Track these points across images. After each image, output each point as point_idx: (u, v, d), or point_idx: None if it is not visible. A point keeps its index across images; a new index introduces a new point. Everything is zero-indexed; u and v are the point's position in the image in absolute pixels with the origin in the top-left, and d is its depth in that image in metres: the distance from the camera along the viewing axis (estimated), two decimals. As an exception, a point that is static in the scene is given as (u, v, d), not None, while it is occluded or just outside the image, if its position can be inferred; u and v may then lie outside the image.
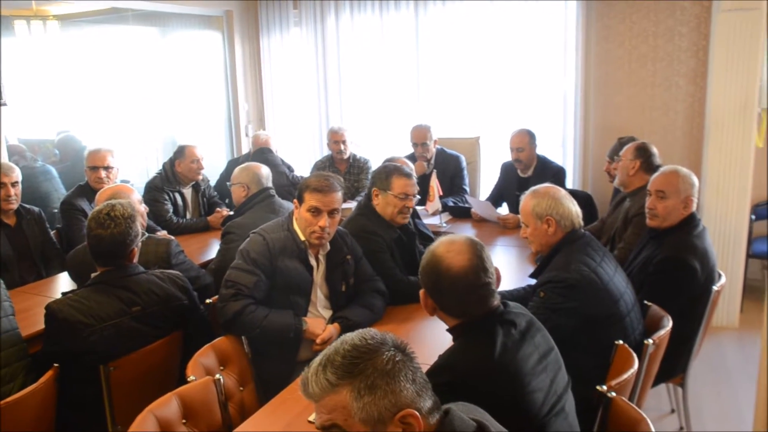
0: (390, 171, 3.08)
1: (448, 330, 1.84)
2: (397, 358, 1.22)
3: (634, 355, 2.18)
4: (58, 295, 2.44)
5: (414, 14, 5.72)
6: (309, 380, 1.23)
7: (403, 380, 1.21)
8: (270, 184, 3.74)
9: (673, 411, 3.44)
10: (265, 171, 3.76)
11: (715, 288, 2.85)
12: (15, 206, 3.70)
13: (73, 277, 3.21)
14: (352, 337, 1.27)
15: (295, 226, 2.68)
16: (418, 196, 3.19)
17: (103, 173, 4.03)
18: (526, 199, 2.58)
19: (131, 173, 6.29)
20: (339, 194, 2.66)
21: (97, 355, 2.31)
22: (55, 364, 2.28)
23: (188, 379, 2.12)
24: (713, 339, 4.18)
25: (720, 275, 2.99)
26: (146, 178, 4.78)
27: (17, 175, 3.70)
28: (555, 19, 5.18)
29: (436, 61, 5.74)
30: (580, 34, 5.04)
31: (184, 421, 1.98)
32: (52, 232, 3.99)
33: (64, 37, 6.43)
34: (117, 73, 6.27)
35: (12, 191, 3.64)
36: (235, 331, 2.52)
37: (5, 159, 4.27)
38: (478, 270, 1.76)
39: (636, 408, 1.86)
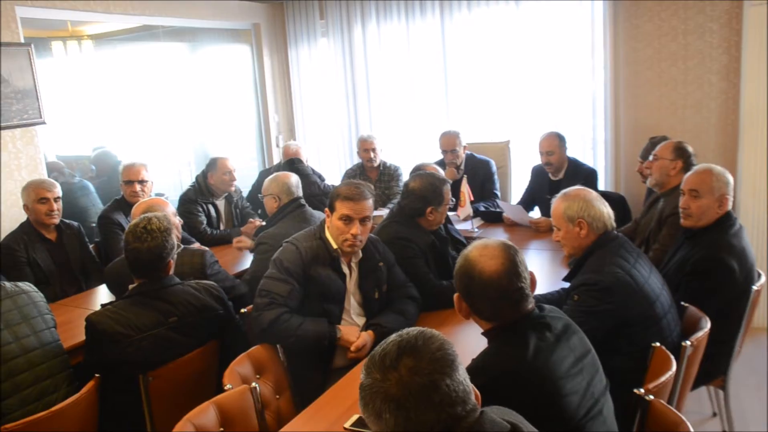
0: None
1: (482, 333, 1.84)
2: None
3: (672, 357, 2.15)
4: (98, 307, 2.50)
5: (440, 20, 5.72)
6: None
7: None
8: (300, 193, 3.78)
9: (715, 414, 3.38)
10: (294, 180, 3.80)
11: (754, 288, 2.79)
12: (57, 221, 3.81)
13: (112, 289, 3.29)
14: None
15: (327, 235, 2.71)
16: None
17: (138, 187, 4.12)
18: (557, 202, 2.57)
19: (165, 186, 6.41)
20: (370, 201, 2.68)
21: (135, 365, 2.36)
22: (96, 375, 2.34)
23: (225, 388, 2.15)
24: (755, 340, 4.09)
25: (759, 275, 2.92)
26: (180, 190, 4.87)
27: (59, 190, 3.82)
28: (582, 20, 5.14)
29: (464, 66, 5.73)
30: (608, 35, 4.99)
31: (221, 429, 2.01)
32: (90, 246, 4.09)
33: (99, 55, 6.59)
34: (150, 88, 6.40)
35: (55, 206, 3.76)
36: (270, 339, 2.55)
37: (45, 176, 4.38)
38: (511, 274, 1.76)
39: (675, 411, 1.84)
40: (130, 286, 2.55)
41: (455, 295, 1.86)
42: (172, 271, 2.60)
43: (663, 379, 2.03)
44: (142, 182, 4.14)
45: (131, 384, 2.38)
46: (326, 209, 2.72)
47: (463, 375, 1.23)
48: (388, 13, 5.94)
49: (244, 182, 5.32)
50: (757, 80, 4.22)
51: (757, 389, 3.61)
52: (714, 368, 2.86)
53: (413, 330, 1.26)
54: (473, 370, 1.70)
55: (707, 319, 2.45)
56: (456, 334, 2.70)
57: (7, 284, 2.52)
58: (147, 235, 2.49)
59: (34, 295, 2.56)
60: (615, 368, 1.96)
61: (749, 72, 4.26)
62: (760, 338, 4.19)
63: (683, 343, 2.27)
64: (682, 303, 2.60)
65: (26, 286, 2.57)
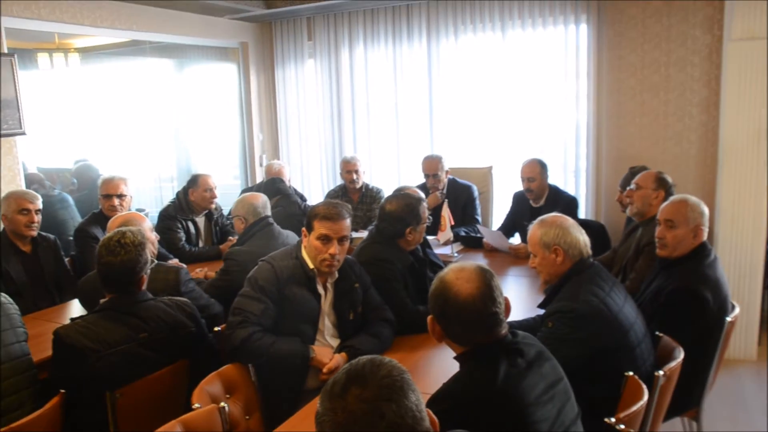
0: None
1: (455, 358, 1.83)
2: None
3: (645, 386, 2.14)
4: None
5: (426, 46, 5.79)
6: None
7: None
8: (268, 213, 3.79)
9: (688, 446, 3.36)
10: (261, 200, 3.80)
11: (728, 319, 2.79)
12: (35, 233, 3.76)
13: (85, 303, 3.24)
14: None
15: (304, 254, 2.69)
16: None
17: (116, 201, 4.08)
18: (533, 228, 2.57)
19: (147, 202, 6.36)
20: (348, 221, 2.67)
21: (103, 381, 2.31)
22: (62, 390, 2.29)
23: (193, 407, 2.12)
24: (730, 372, 4.10)
25: (734, 306, 2.93)
26: (162, 206, 4.83)
27: (40, 203, 3.78)
28: (566, 50, 5.21)
29: (449, 92, 5.79)
30: (592, 65, 5.07)
31: (187, 449, 1.97)
32: (66, 259, 4.04)
33: (85, 69, 6.57)
34: (135, 103, 6.38)
35: (35, 218, 3.71)
36: (241, 358, 2.51)
37: (23, 187, 4.34)
38: (486, 298, 1.76)
39: (645, 441, 1.83)
40: (101, 301, 2.51)
41: (429, 317, 1.85)
42: (144, 287, 2.57)
43: (635, 408, 2.03)
44: (120, 196, 4.11)
45: (98, 401, 2.33)
46: (303, 229, 2.71)
47: (415, 401, 1.22)
48: (375, 37, 6.00)
49: (225, 200, 5.29)
50: (735, 114, 4.28)
51: (731, 421, 3.61)
52: (687, 399, 2.85)
53: (364, 358, 1.27)
54: (442, 394, 1.69)
55: (681, 349, 2.45)
56: (430, 358, 2.68)
57: None
58: (120, 249, 2.46)
59: (8, 307, 2.50)
60: (587, 396, 1.95)
61: (728, 105, 4.33)
62: (734, 370, 4.20)
63: (656, 373, 2.27)
64: (657, 333, 2.60)
65: (2, 297, 2.52)
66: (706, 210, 2.92)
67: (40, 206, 3.77)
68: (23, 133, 4.36)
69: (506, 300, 1.83)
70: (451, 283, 1.79)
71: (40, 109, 5.74)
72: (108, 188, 4.12)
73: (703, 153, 4.82)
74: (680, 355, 2.42)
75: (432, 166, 4.95)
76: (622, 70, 5.03)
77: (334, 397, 1.20)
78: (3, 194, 3.82)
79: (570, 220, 2.55)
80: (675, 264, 2.89)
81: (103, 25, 4.98)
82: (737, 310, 2.92)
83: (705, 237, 2.90)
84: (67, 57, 6.43)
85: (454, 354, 1.83)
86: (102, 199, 4.14)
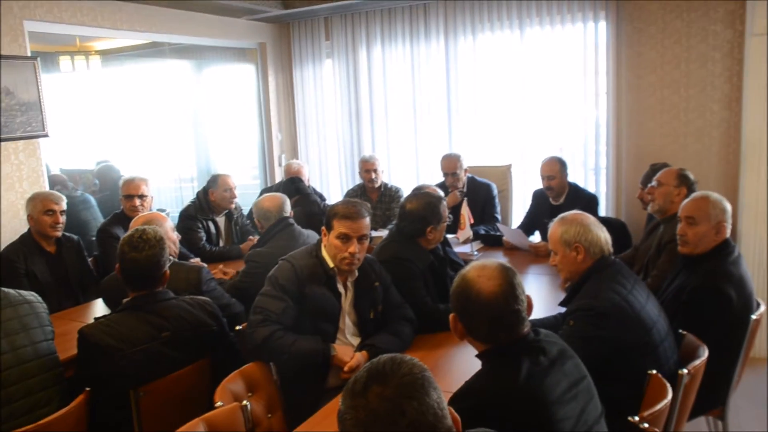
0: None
1: (477, 356, 1.82)
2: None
3: (668, 385, 2.13)
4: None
5: (444, 45, 5.77)
6: None
7: None
8: (286, 213, 3.77)
9: (713, 445, 3.33)
10: (276, 202, 3.78)
11: (753, 317, 2.76)
12: (60, 234, 3.82)
13: (108, 302, 3.28)
14: None
15: (324, 253, 2.70)
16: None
17: (137, 201, 4.13)
18: (554, 226, 2.56)
19: (167, 202, 6.42)
20: (367, 220, 2.67)
21: (127, 380, 2.34)
22: (87, 389, 2.32)
23: (216, 405, 2.13)
24: (755, 370, 4.04)
25: (759, 304, 2.90)
26: (182, 206, 4.88)
27: (65, 204, 3.84)
28: (585, 47, 5.17)
29: (467, 90, 5.76)
30: (611, 62, 5.02)
31: (211, 447, 1.99)
32: (89, 260, 4.09)
33: (106, 71, 6.64)
34: (155, 105, 6.44)
35: (60, 219, 3.77)
36: (263, 357, 2.53)
37: (46, 188, 4.40)
38: (508, 296, 1.75)
39: (670, 440, 1.81)
40: (124, 300, 2.54)
41: (451, 315, 1.84)
42: (166, 285, 2.59)
43: (659, 407, 2.01)
44: (141, 197, 4.15)
45: (122, 399, 2.36)
46: (323, 228, 2.72)
47: (436, 399, 1.22)
48: (393, 36, 5.99)
49: (245, 200, 5.33)
50: (758, 109, 4.23)
51: (757, 420, 3.57)
52: (712, 398, 2.82)
53: (385, 356, 1.27)
54: (464, 392, 1.69)
55: (705, 347, 2.42)
56: (451, 356, 2.68)
57: (11, 292, 2.51)
58: (144, 245, 2.50)
59: (36, 306, 2.54)
60: (610, 395, 1.93)
61: (751, 101, 4.27)
62: (759, 368, 4.14)
63: (680, 371, 2.25)
64: (680, 331, 2.57)
65: (30, 296, 2.56)
66: (728, 206, 2.88)
67: (65, 207, 3.83)
68: (46, 135, 4.42)
69: (528, 298, 1.82)
70: (473, 280, 1.78)
71: (63, 111, 5.81)
72: (129, 189, 4.17)
73: (726, 149, 4.76)
74: (704, 353, 2.39)
75: (451, 164, 4.95)
76: (641, 66, 4.98)
77: (355, 396, 1.21)
78: (28, 195, 3.87)
79: (591, 218, 2.53)
80: (697, 261, 2.85)
81: (122, 28, 5.03)
82: (762, 308, 2.89)
83: (728, 234, 2.86)
84: (88, 60, 6.51)
85: (476, 352, 1.83)
86: (123, 200, 4.19)
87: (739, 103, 4.62)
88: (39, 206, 3.73)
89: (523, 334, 1.77)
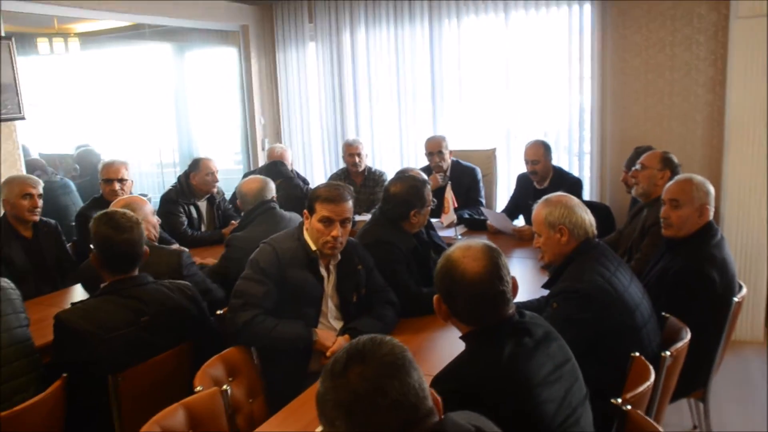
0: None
1: (461, 338, 1.80)
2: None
3: (651, 367, 2.12)
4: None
5: (428, 28, 5.72)
6: None
7: None
8: (268, 196, 3.70)
9: (695, 427, 3.35)
10: (254, 186, 3.70)
11: (735, 299, 2.77)
12: (38, 218, 3.75)
13: (87, 287, 3.23)
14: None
15: (306, 236, 2.67)
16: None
17: (117, 186, 4.06)
18: (538, 208, 2.54)
19: (149, 187, 6.35)
20: (350, 203, 2.64)
21: (105, 365, 2.29)
22: (63, 374, 2.28)
23: (195, 390, 2.10)
24: (737, 353, 4.08)
25: (741, 286, 2.91)
26: (163, 191, 4.81)
27: (41, 187, 3.77)
28: (570, 30, 5.15)
29: (451, 74, 5.73)
30: (596, 45, 5.00)
31: (190, 431, 1.96)
32: (69, 245, 4.03)
33: (85, 54, 6.53)
34: (136, 88, 6.35)
35: (38, 202, 3.70)
36: (244, 341, 2.50)
37: (23, 172, 4.32)
38: (493, 277, 1.73)
39: (653, 422, 1.80)
40: (102, 285, 2.49)
41: (435, 296, 1.82)
42: (146, 269, 2.55)
43: (641, 389, 2.00)
44: (121, 181, 4.09)
45: (100, 384, 2.32)
46: (305, 211, 2.68)
47: (417, 379, 1.21)
48: (377, 19, 5.93)
49: (227, 185, 5.27)
50: (742, 93, 4.23)
51: (738, 402, 3.60)
52: (694, 380, 2.83)
53: (364, 337, 1.26)
54: (446, 374, 1.67)
55: (687, 330, 2.43)
56: (434, 340, 2.67)
57: None
58: (127, 222, 2.46)
59: (9, 292, 2.48)
60: (592, 377, 1.93)
61: (735, 85, 4.27)
62: (741, 351, 4.18)
63: (663, 354, 2.25)
64: (663, 313, 2.57)
65: (3, 282, 2.50)
66: (711, 189, 2.88)
67: (41, 191, 3.76)
68: (22, 118, 4.33)
69: (513, 279, 1.80)
70: (457, 261, 1.76)
71: (41, 94, 5.71)
72: (109, 173, 4.10)
73: (709, 133, 4.77)
74: (687, 335, 2.40)
75: (435, 144, 4.93)
76: (626, 49, 4.96)
77: (335, 376, 1.19)
78: (3, 179, 3.80)
79: (575, 200, 2.51)
80: (681, 244, 2.86)
81: (102, 8, 4.92)
82: (744, 291, 2.90)
83: (711, 216, 2.87)
84: (67, 42, 6.40)
85: (460, 335, 1.81)
86: (103, 184, 4.12)
87: (723, 87, 4.62)
88: (16, 190, 3.66)
89: (507, 316, 1.75)
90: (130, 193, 4.13)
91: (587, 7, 5.03)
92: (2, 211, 3.75)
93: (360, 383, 1.17)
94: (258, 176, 3.88)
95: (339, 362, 1.20)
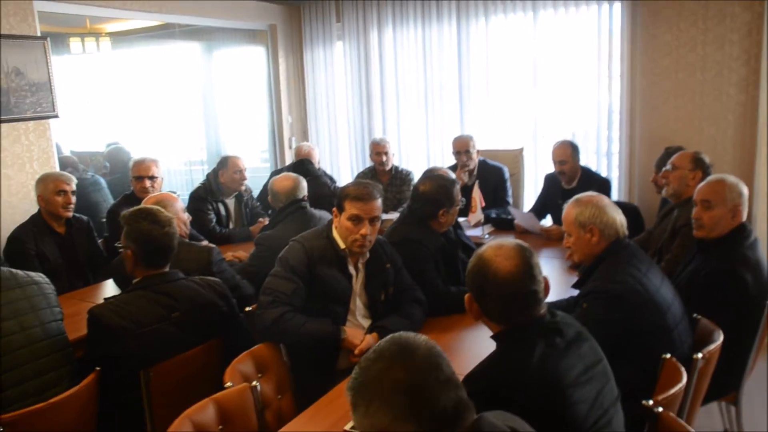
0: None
1: (492, 337, 1.80)
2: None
3: (683, 369, 2.10)
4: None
5: (456, 28, 5.70)
6: None
7: None
8: (299, 196, 3.72)
9: (726, 431, 3.30)
10: (288, 184, 3.72)
11: (769, 302, 2.72)
12: (71, 214, 3.82)
13: (119, 283, 3.28)
14: None
15: (335, 234, 2.68)
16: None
17: (147, 183, 4.12)
18: (569, 207, 2.52)
19: (178, 184, 6.42)
20: (379, 201, 2.64)
21: (136, 360, 2.33)
22: (96, 368, 2.31)
23: (225, 386, 2.12)
24: (769, 357, 4.00)
25: (775, 289, 2.86)
26: (191, 188, 4.87)
27: (75, 184, 3.83)
28: (599, 29, 5.10)
29: (479, 73, 5.71)
30: (625, 45, 4.94)
31: (220, 427, 1.98)
32: (99, 241, 4.09)
33: (116, 53, 6.62)
34: (165, 87, 6.42)
35: (72, 199, 3.76)
36: (273, 338, 2.52)
37: (56, 169, 4.40)
38: (526, 276, 1.73)
39: (685, 424, 1.78)
40: (134, 281, 2.53)
41: (466, 296, 1.82)
42: (176, 266, 2.59)
43: (673, 391, 1.98)
44: (152, 178, 4.14)
45: (132, 379, 2.35)
46: (334, 209, 2.69)
47: (450, 373, 1.24)
48: (404, 18, 5.93)
49: (255, 182, 5.32)
50: (776, 93, 4.16)
51: (771, 407, 3.53)
52: (726, 383, 2.79)
53: (397, 334, 1.28)
54: (476, 374, 1.67)
55: (720, 332, 2.39)
56: (462, 339, 2.67)
57: (20, 273, 2.50)
58: (165, 219, 2.51)
59: (45, 287, 2.54)
60: (623, 379, 1.91)
61: (769, 84, 4.20)
62: (774, 355, 4.10)
63: (695, 356, 2.22)
64: (695, 315, 2.54)
65: (38, 276, 2.55)
66: (745, 190, 2.84)
67: (75, 188, 3.82)
68: (56, 116, 4.41)
69: (545, 279, 1.80)
70: (490, 260, 1.75)
71: (73, 93, 5.80)
72: (139, 170, 4.16)
73: (741, 133, 4.68)
74: (719, 338, 2.36)
75: (463, 143, 4.92)
76: (656, 49, 4.90)
77: (389, 358, 1.21)
78: (38, 176, 3.87)
79: (606, 199, 2.49)
80: (713, 245, 2.82)
81: (133, 8, 4.99)
82: (778, 293, 2.84)
83: (744, 218, 2.82)
84: (99, 41, 6.50)
85: (491, 334, 1.80)
86: (134, 181, 4.18)
87: (756, 87, 4.54)
88: (51, 186, 3.72)
89: (539, 316, 1.74)
90: (161, 190, 4.18)
91: (617, 6, 4.97)
92: (37, 208, 3.82)
93: (415, 361, 1.20)
94: (291, 174, 3.88)
95: (388, 349, 1.23)
